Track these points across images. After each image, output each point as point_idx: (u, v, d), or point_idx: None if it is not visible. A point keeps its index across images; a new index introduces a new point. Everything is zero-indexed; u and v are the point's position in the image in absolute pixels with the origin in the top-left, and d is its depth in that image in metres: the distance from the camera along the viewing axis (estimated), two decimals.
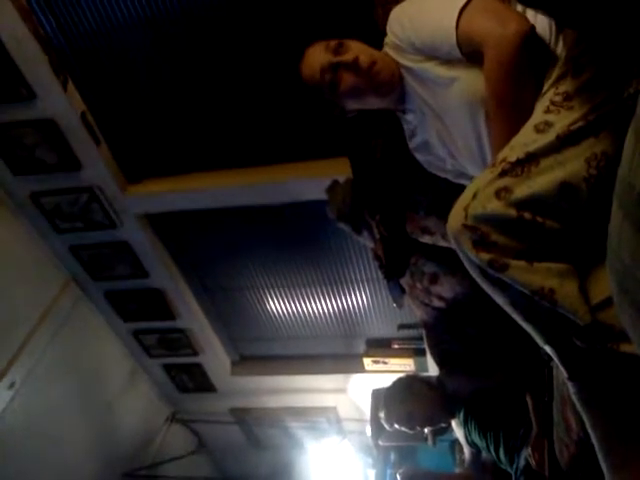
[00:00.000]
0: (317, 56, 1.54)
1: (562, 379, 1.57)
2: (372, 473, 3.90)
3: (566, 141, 1.15)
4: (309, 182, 2.66)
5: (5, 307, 2.95)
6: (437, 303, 2.21)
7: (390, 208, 2.15)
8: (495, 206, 1.15)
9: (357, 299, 3.45)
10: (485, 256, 1.16)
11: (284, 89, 2.45)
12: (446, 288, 2.16)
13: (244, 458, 4.73)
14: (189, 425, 4.46)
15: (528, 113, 1.28)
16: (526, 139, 1.20)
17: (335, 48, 1.52)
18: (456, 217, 1.19)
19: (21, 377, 3.02)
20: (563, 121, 1.17)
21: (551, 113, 1.20)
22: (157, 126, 2.75)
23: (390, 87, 1.54)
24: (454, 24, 1.32)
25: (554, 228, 1.15)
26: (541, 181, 1.14)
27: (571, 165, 1.14)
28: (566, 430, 1.67)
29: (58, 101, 2.53)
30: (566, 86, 1.22)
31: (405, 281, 2.28)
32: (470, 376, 2.41)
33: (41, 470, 3.15)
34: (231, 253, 3.30)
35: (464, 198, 1.20)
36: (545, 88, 1.29)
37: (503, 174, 1.17)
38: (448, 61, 1.41)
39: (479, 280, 1.23)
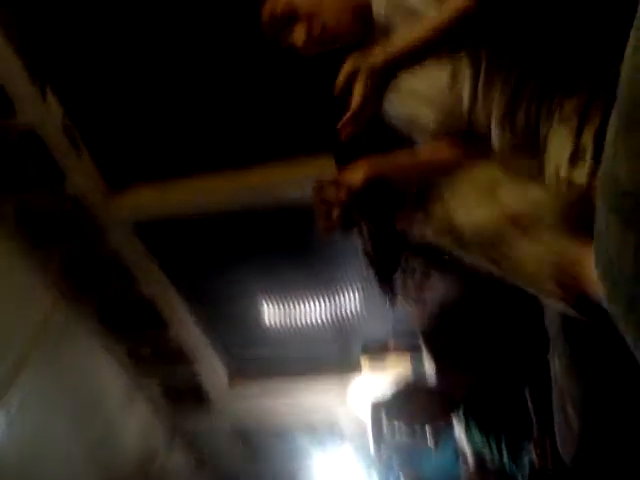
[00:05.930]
0: (268, 29, 1.48)
1: (559, 371, 1.55)
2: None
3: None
4: (295, 182, 2.62)
5: None
6: (430, 300, 2.18)
7: (378, 205, 2.12)
8: None
9: (352, 300, 3.44)
10: None
11: (266, 88, 2.44)
12: (438, 285, 2.13)
13: (245, 472, 4.69)
14: (188, 442, 4.43)
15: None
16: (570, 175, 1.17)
17: (283, 19, 1.45)
18: None
19: (17, 402, 2.98)
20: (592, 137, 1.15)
21: (577, 137, 1.18)
22: (139, 133, 2.71)
23: (354, 31, 1.46)
24: None
25: None
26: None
27: None
28: (566, 424, 1.64)
29: (37, 112, 2.50)
30: (571, 105, 1.21)
31: (397, 279, 2.25)
32: (466, 372, 2.39)
33: None
34: (222, 260, 3.26)
35: None
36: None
37: None
38: None
39: None
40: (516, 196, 1.19)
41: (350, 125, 1.28)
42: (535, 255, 1.13)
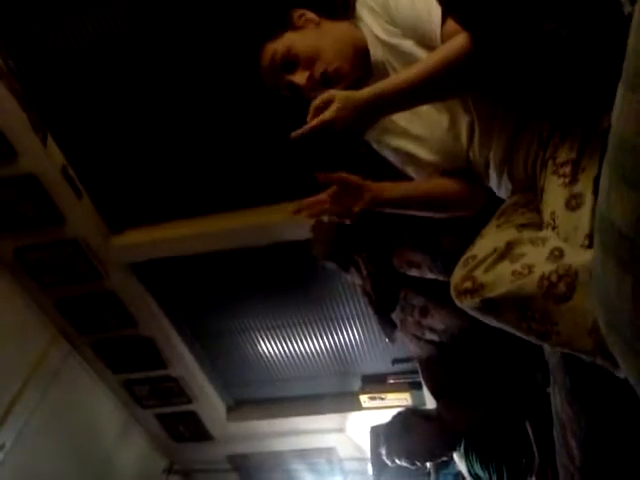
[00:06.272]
0: (269, 74, 1.47)
1: (559, 403, 1.55)
2: None
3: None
4: (292, 223, 2.63)
5: None
6: (429, 336, 2.18)
7: (375, 244, 2.14)
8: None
9: (350, 336, 3.42)
10: None
11: (260, 133, 2.49)
12: (437, 320, 2.14)
13: None
14: (187, 475, 4.35)
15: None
16: (568, 224, 1.16)
17: (283, 64, 1.44)
18: None
19: (11, 439, 2.95)
20: (588, 184, 1.15)
21: (572, 185, 1.19)
22: (137, 175, 2.75)
23: (353, 73, 1.45)
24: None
25: None
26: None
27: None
28: (568, 456, 1.64)
29: (38, 157, 2.53)
30: (565, 154, 1.23)
31: (396, 315, 2.26)
32: (467, 407, 2.38)
33: None
34: (219, 297, 3.27)
35: None
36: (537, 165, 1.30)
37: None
38: (423, 44, 1.33)
39: None
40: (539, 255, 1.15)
41: (305, 130, 1.26)
42: (572, 316, 1.09)
